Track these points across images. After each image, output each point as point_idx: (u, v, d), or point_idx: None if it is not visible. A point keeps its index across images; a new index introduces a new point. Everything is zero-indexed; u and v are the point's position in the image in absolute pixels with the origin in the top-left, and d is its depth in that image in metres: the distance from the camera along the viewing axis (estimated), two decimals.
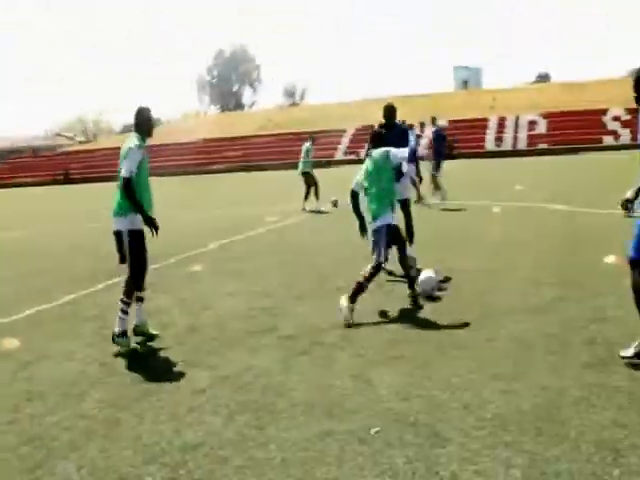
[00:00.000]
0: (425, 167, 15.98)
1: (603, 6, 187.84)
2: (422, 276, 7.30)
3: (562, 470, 3.44)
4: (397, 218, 7.29)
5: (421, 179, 14.09)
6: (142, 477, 3.72)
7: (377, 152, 7.20)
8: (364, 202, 7.21)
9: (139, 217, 6.07)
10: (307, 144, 18.32)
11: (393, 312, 6.76)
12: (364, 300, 6.76)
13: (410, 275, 7.09)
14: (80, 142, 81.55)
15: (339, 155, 49.42)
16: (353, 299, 6.57)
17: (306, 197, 17.72)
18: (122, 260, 6.24)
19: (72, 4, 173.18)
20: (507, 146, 46.13)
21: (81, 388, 5.18)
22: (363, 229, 7.23)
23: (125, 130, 74.40)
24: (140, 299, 6.39)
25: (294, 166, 20.34)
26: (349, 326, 6.36)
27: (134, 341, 6.27)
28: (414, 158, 12.32)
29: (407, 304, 6.95)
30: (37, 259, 12.22)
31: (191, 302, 7.80)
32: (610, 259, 8.01)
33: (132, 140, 6.12)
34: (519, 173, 26.23)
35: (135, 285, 6.24)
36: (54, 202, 32.46)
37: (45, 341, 6.57)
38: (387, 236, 6.89)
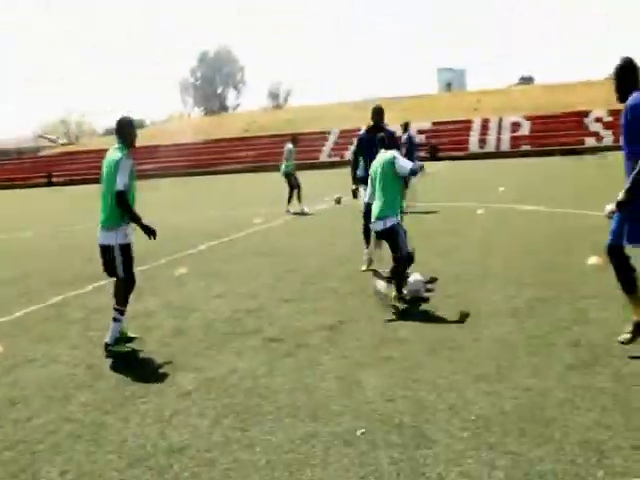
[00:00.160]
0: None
1: (586, 10, 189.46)
2: (410, 278, 7.34)
3: (546, 471, 3.47)
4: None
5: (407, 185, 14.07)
6: None
7: (384, 156, 7.43)
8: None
9: (129, 229, 6.07)
10: (289, 145, 18.32)
11: (377, 314, 6.78)
12: (348, 302, 6.78)
13: (399, 277, 7.19)
14: (62, 144, 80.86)
15: (323, 157, 49.41)
16: (399, 291, 7.13)
17: (289, 199, 17.71)
18: (110, 274, 6.21)
19: (72, 4, 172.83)
20: (490, 148, 46.32)
21: (66, 391, 5.15)
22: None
23: (107, 133, 73.73)
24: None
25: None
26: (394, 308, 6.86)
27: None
28: None
29: (392, 305, 6.98)
30: (23, 261, 12.13)
31: (177, 304, 7.78)
32: (593, 260, 8.08)
33: (118, 151, 6.07)
34: (502, 175, 26.36)
35: (127, 294, 6.20)
36: (39, 204, 32.20)
37: (31, 344, 6.52)
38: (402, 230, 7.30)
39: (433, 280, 7.93)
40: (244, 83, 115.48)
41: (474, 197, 17.40)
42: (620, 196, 4.96)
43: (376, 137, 7.90)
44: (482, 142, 47.25)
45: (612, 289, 5.68)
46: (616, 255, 5.20)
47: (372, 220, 7.40)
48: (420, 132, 43.68)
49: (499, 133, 48.13)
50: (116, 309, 6.12)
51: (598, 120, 44.64)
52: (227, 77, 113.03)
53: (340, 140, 49.70)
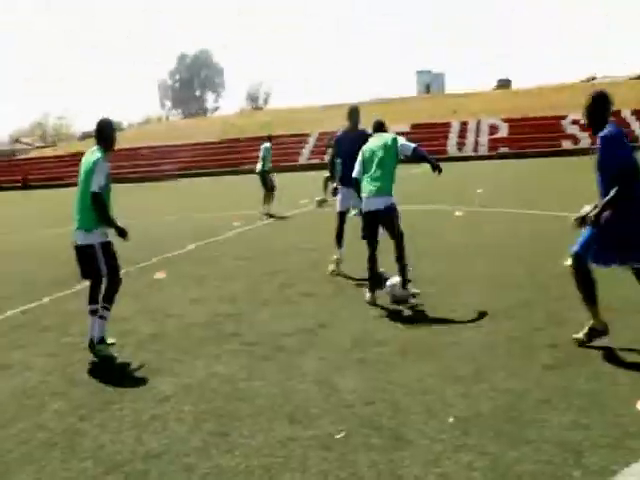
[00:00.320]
0: None
1: (564, 15, 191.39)
2: (389, 282, 7.28)
3: (524, 472, 3.49)
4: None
5: None
6: None
7: (383, 137, 7.60)
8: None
9: (106, 229, 6.01)
10: (266, 144, 18.29)
11: (356, 316, 6.77)
12: (327, 305, 6.76)
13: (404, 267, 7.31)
14: (37, 147, 79.91)
15: (302, 159, 49.37)
16: (404, 282, 7.19)
17: (265, 201, 17.68)
18: (85, 275, 6.15)
19: (72, 4, 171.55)
20: (469, 150, 46.63)
21: (41, 399, 5.07)
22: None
23: (85, 137, 72.91)
24: (95, 312, 6.18)
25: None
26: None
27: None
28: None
29: (370, 307, 6.98)
30: None
31: (155, 308, 7.71)
32: (569, 262, 8.10)
33: (96, 153, 6.03)
34: (481, 177, 26.52)
35: (114, 293, 6.14)
36: (13, 208, 31.81)
37: (4, 351, 6.42)
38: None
39: (415, 295, 7.74)
40: (223, 86, 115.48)
41: (452, 199, 17.47)
42: (594, 212, 5.09)
43: (357, 135, 7.92)
44: (460, 144, 47.54)
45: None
46: (580, 264, 5.34)
47: (365, 196, 7.33)
48: (399, 134, 43.65)
49: (477, 136, 48.49)
50: (103, 306, 6.04)
51: (575, 122, 45.05)
52: (206, 80, 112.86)
53: (319, 143, 49.68)
